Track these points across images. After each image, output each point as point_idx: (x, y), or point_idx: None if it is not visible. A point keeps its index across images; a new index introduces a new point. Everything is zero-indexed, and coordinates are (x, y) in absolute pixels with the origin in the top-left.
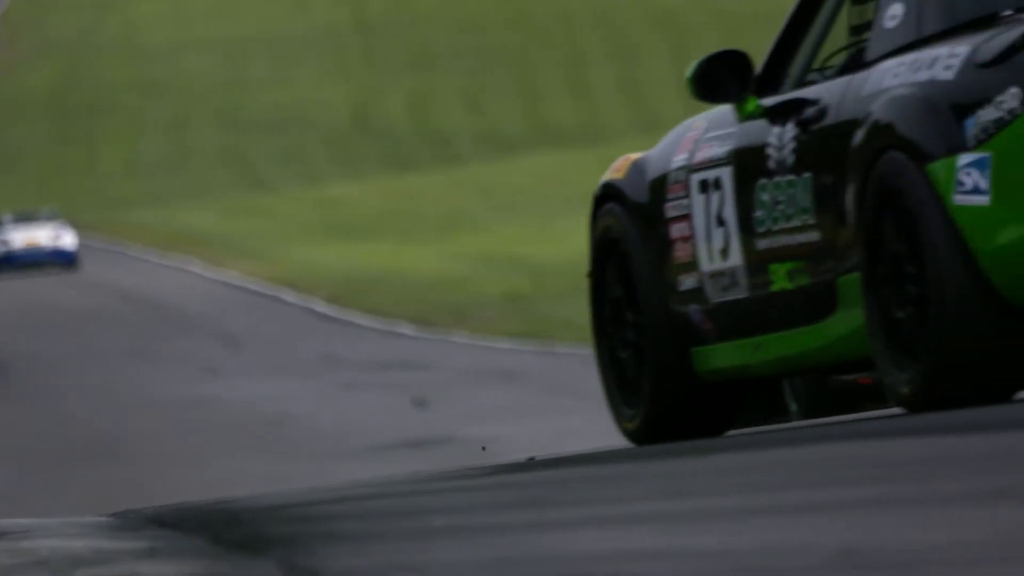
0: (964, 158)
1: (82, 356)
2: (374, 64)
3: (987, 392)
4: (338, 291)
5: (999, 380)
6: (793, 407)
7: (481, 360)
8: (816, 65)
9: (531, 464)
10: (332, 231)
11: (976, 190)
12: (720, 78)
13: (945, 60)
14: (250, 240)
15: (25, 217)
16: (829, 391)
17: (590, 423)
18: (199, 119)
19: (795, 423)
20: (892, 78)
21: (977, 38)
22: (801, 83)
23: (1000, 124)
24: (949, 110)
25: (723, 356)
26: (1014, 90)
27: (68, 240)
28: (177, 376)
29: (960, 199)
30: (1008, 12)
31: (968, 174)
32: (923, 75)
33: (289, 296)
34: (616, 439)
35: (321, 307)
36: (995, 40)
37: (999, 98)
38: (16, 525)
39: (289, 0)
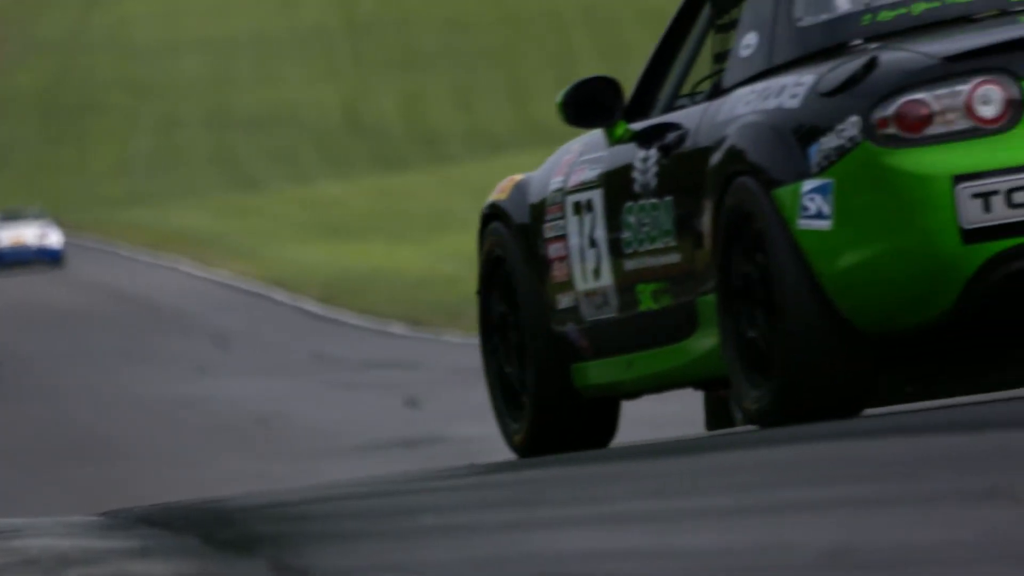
0: (808, 184)
1: (72, 355)
2: (364, 63)
3: (834, 410)
4: (329, 290)
5: (845, 399)
6: (738, 416)
7: (473, 359)
8: (684, 91)
9: (517, 464)
10: (323, 230)
11: (819, 215)
12: (592, 103)
13: (792, 89)
14: (240, 239)
15: (11, 216)
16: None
17: None
18: (189, 118)
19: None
20: (744, 105)
21: (822, 68)
22: (669, 108)
23: (841, 151)
24: (794, 137)
25: (599, 373)
26: (854, 118)
27: (54, 239)
28: (167, 375)
29: (804, 224)
30: (857, 42)
31: (812, 199)
32: (771, 103)
33: (280, 295)
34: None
35: (312, 306)
36: (838, 70)
37: (840, 126)
38: (6, 524)
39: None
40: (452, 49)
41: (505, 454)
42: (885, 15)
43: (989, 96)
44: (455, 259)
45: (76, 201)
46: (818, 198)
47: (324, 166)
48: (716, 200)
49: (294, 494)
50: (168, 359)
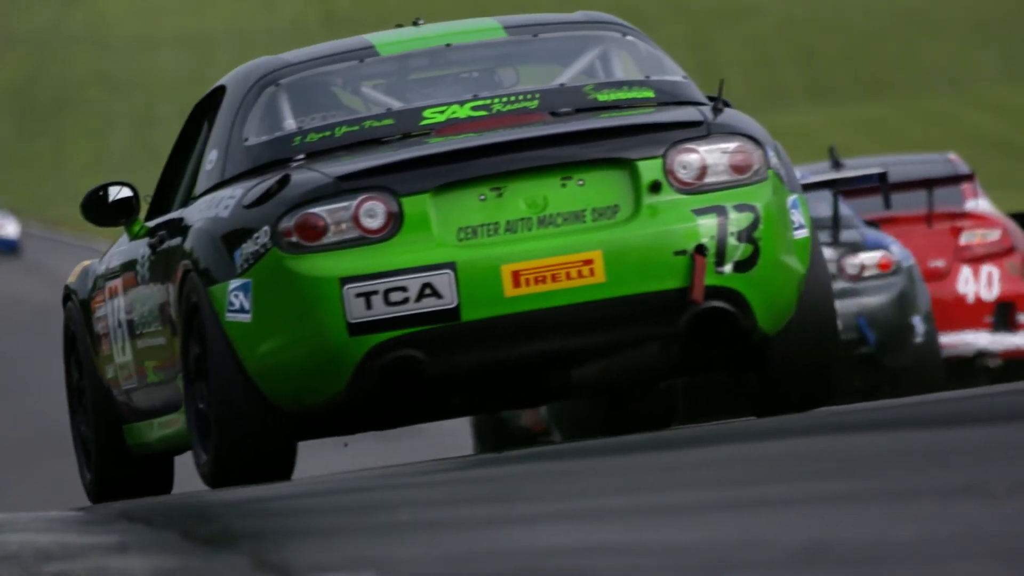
0: (233, 283)
1: (45, 351)
2: None
3: (263, 475)
4: None
5: (270, 464)
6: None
7: None
8: (195, 193)
9: (495, 459)
10: None
11: (242, 310)
12: (114, 204)
13: (226, 201)
14: None
15: None
16: (508, 432)
17: None
18: (166, 114)
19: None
20: (199, 212)
21: (249, 183)
22: (181, 207)
23: (257, 256)
24: (224, 243)
25: (137, 434)
26: (266, 228)
27: (11, 229)
28: None
29: (230, 316)
30: (298, 158)
31: (236, 296)
32: (213, 212)
33: None
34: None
35: None
36: (258, 186)
37: (256, 234)
38: None
39: None
40: None
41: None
42: (312, 136)
43: (374, 210)
44: None
45: (52, 197)
46: (241, 295)
47: None
48: (178, 293)
49: (272, 489)
50: None
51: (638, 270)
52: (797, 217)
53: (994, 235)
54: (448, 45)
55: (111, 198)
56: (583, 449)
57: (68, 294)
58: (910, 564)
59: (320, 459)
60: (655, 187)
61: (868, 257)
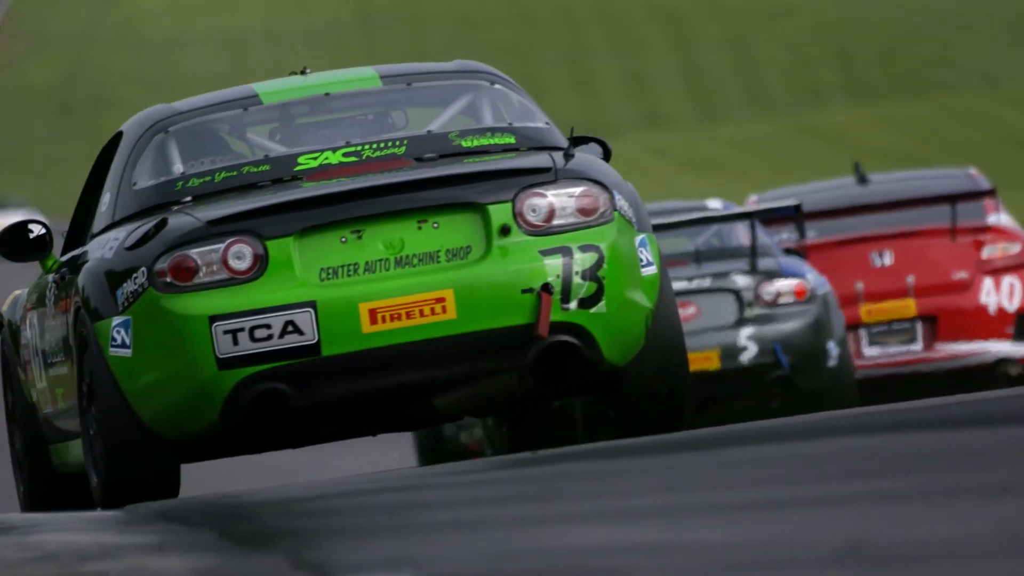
0: (116, 320)
1: None
2: (376, 59)
3: (149, 498)
4: None
5: (153, 486)
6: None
7: None
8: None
9: (533, 459)
10: None
11: (123, 344)
12: (30, 240)
13: (112, 242)
14: None
15: None
16: (448, 449)
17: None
18: None
19: (801, 416)
20: (92, 252)
21: (133, 226)
22: (84, 245)
23: (135, 295)
24: (107, 281)
25: (60, 454)
26: (143, 268)
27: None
28: None
29: (113, 351)
30: (186, 200)
31: (118, 332)
32: (101, 252)
33: None
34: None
35: None
36: (139, 229)
37: (135, 275)
38: (24, 519)
39: None
40: (464, 45)
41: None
42: (194, 182)
43: (241, 252)
44: None
45: None
46: (122, 331)
47: None
48: (72, 327)
49: (309, 488)
50: None
51: (488, 307)
52: (646, 255)
53: (1015, 248)
54: (327, 94)
55: (31, 235)
56: (620, 449)
57: (1, 321)
58: (948, 563)
59: (357, 458)
60: (505, 230)
61: (784, 285)
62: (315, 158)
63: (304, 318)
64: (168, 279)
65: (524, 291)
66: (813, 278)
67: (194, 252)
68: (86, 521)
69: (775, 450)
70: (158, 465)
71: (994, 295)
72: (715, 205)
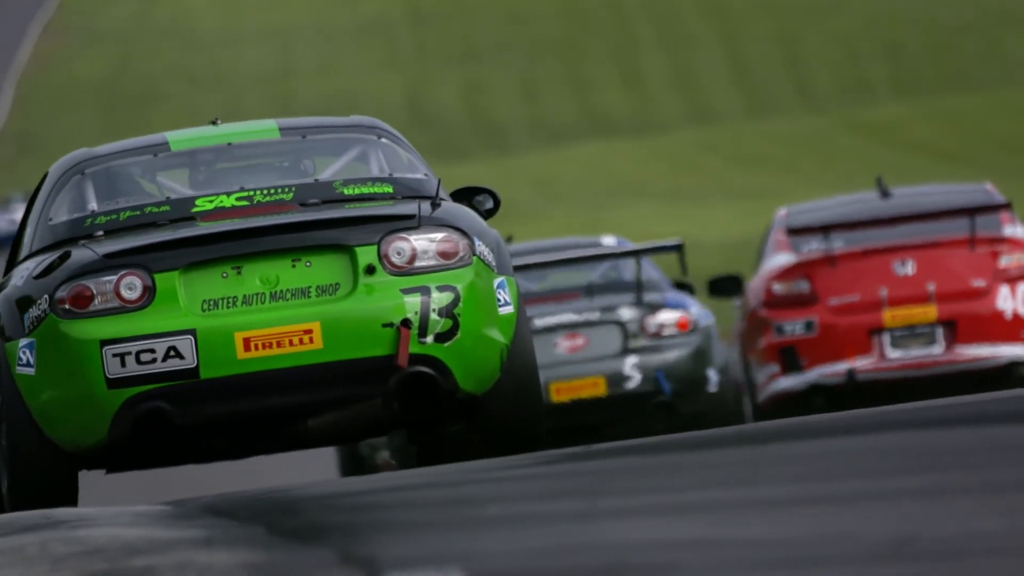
0: (23, 341)
1: None
2: (426, 54)
3: (51, 504)
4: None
5: (56, 496)
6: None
7: None
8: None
9: (581, 454)
10: None
11: (28, 364)
12: None
13: (24, 271)
14: None
15: (6, 199)
16: (369, 469)
17: None
18: (250, 109)
19: (853, 412)
20: (11, 278)
21: (44, 257)
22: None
23: (39, 320)
24: (17, 307)
25: None
26: (46, 296)
27: None
28: None
29: (19, 370)
30: (98, 234)
31: (24, 352)
32: (16, 279)
33: None
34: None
35: None
36: (45, 260)
37: (39, 301)
38: (71, 514)
39: None
40: (514, 40)
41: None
42: (101, 219)
43: (132, 284)
44: None
45: None
46: (28, 352)
47: None
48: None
49: (357, 483)
50: None
51: (352, 339)
52: (503, 296)
53: None
54: (230, 144)
55: None
56: (669, 444)
57: None
58: (996, 557)
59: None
60: (370, 269)
61: (667, 317)
62: (211, 201)
63: (185, 344)
64: (67, 306)
65: (385, 325)
66: (696, 311)
67: (90, 282)
68: (134, 516)
69: (820, 445)
70: (57, 475)
71: (1010, 301)
72: (609, 242)
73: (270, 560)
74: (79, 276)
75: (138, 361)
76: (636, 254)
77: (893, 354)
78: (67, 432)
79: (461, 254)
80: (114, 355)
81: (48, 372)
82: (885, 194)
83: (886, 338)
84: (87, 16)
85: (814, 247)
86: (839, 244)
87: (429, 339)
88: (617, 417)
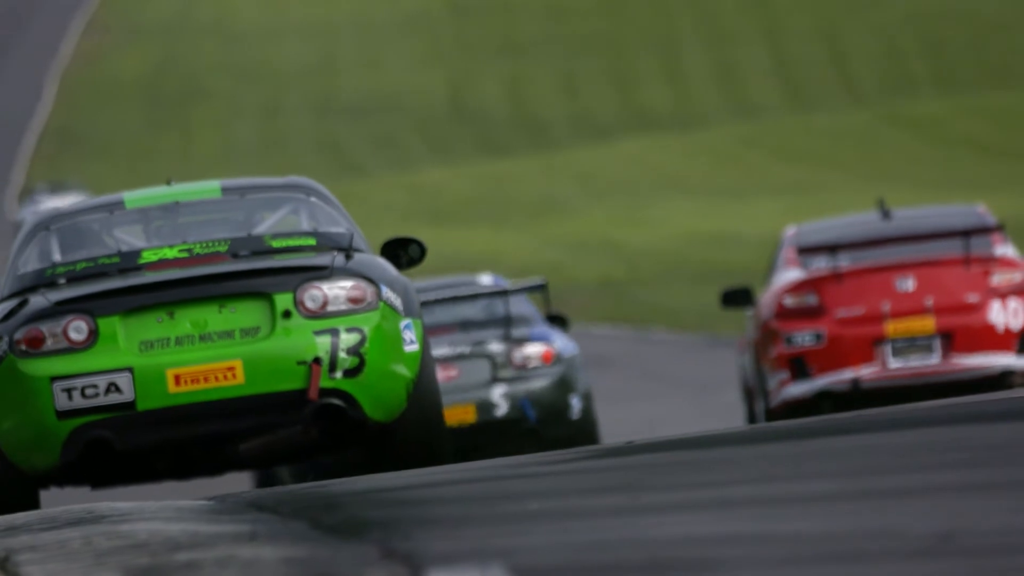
0: None
1: None
2: (468, 49)
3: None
4: (434, 277)
5: (17, 511)
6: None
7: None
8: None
9: (624, 449)
10: (426, 216)
11: None
12: None
13: None
14: None
15: (56, 187)
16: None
17: (683, 409)
18: (293, 104)
19: (896, 407)
20: None
21: (9, 303)
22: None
23: (1, 358)
24: None
25: None
26: (6, 338)
27: None
28: None
29: None
30: (61, 282)
31: None
32: None
33: None
34: (709, 423)
35: None
36: (7, 305)
37: (1, 342)
38: (114, 509)
39: None
40: (556, 35)
41: (606, 440)
42: (60, 269)
43: (79, 327)
44: (559, 245)
45: None
46: None
47: (428, 152)
48: None
49: (398, 479)
50: None
51: (270, 375)
52: (409, 336)
53: (1018, 276)
54: (177, 202)
55: None
56: (711, 439)
57: None
58: None
59: None
60: (287, 314)
61: (532, 350)
62: (156, 253)
63: (124, 380)
64: (23, 346)
65: (299, 363)
66: (560, 343)
67: (43, 326)
68: (177, 510)
69: (862, 440)
70: (17, 493)
71: (1002, 315)
72: (486, 281)
73: (312, 555)
74: (33, 320)
75: (83, 395)
76: (504, 293)
77: (894, 363)
78: (25, 456)
79: (368, 300)
80: (63, 390)
81: (7, 403)
82: (886, 215)
83: (888, 348)
84: (129, 12)
85: (822, 264)
86: (845, 262)
87: (338, 374)
88: (486, 442)
